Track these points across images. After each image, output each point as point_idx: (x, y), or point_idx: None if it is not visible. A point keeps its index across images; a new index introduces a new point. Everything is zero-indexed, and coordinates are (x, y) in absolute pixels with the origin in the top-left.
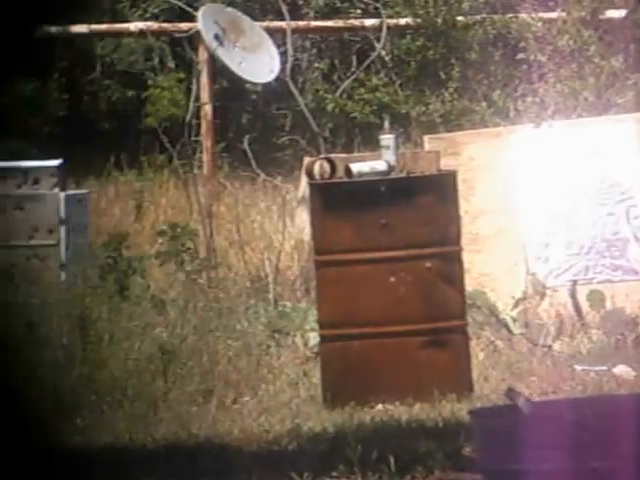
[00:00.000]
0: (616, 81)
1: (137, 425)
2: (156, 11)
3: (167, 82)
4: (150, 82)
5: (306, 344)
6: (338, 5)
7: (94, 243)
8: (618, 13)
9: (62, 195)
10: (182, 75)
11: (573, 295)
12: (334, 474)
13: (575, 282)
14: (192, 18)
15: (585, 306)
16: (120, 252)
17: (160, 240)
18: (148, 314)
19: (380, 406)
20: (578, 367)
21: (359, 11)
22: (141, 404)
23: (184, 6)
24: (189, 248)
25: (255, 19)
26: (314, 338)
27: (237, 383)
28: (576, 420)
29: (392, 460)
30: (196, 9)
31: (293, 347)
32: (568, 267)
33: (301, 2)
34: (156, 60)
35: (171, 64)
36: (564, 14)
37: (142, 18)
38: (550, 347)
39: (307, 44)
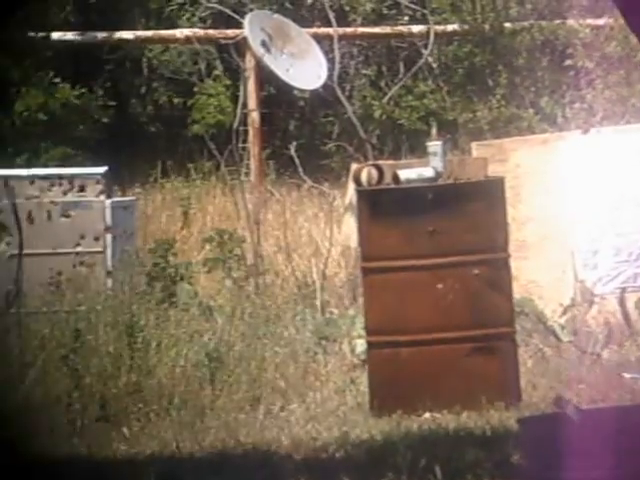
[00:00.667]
0: None
1: (184, 433)
2: (204, 15)
3: (214, 89)
4: (196, 89)
5: (353, 351)
6: (385, 12)
7: (141, 250)
8: None
9: (108, 202)
10: (229, 82)
11: (622, 303)
12: None
13: (624, 289)
14: (239, 24)
15: (634, 314)
16: (167, 259)
17: (207, 247)
18: (195, 321)
19: (427, 414)
20: (627, 375)
21: (406, 18)
22: (188, 412)
23: (231, 12)
24: (236, 255)
25: (302, 26)
26: (361, 345)
27: (284, 390)
28: (624, 428)
29: (440, 469)
30: (243, 15)
31: (340, 354)
32: (617, 274)
33: (348, 8)
34: (203, 66)
35: (218, 70)
36: (611, 20)
37: (189, 22)
38: (599, 355)
39: (354, 51)
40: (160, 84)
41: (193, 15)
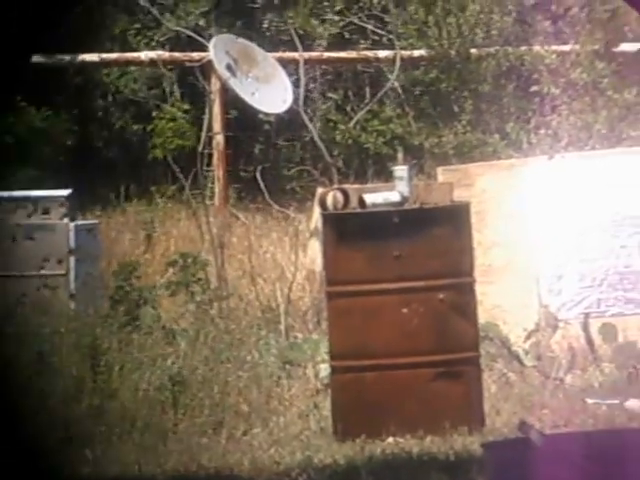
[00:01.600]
0: (629, 114)
1: (147, 456)
2: (162, 39)
3: (170, 114)
4: (155, 113)
5: (317, 376)
6: (349, 37)
7: (105, 273)
8: (631, 46)
9: (72, 225)
10: (187, 106)
11: (585, 328)
12: None
13: (587, 315)
14: (203, 47)
15: (597, 339)
16: (130, 282)
17: (171, 270)
18: (159, 345)
19: (391, 439)
20: (590, 400)
21: (369, 42)
22: (151, 435)
23: (194, 35)
24: (200, 278)
25: (268, 50)
26: (325, 370)
27: (248, 415)
28: (588, 453)
29: None
30: (204, 37)
31: (304, 379)
32: (580, 300)
33: (313, 33)
34: (166, 89)
35: (177, 94)
36: (577, 47)
37: (148, 47)
38: (562, 380)
39: (320, 75)
40: (119, 108)
41: (152, 40)
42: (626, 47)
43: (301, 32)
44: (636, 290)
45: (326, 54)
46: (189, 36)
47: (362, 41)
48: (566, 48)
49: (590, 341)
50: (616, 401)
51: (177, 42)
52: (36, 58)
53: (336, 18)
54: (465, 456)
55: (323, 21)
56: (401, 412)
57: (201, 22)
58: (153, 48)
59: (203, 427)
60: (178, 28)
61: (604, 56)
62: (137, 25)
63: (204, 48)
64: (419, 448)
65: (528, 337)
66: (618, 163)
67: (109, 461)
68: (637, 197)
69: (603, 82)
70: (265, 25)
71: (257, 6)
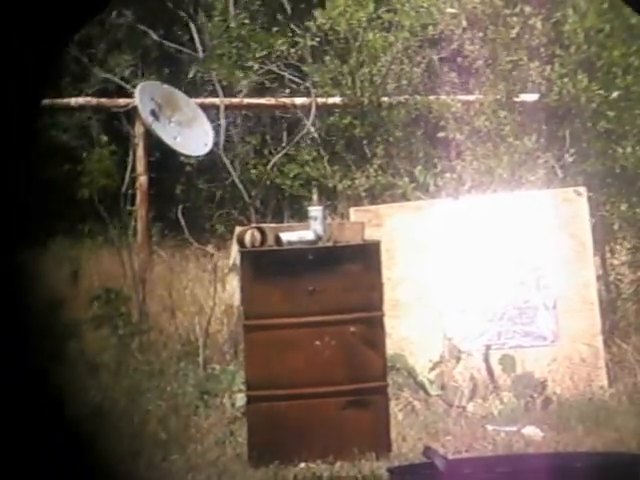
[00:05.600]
0: (529, 159)
1: None
2: (91, 91)
3: (98, 155)
4: (84, 155)
5: (233, 405)
6: (269, 85)
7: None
8: (531, 97)
9: None
10: (114, 148)
11: (486, 359)
12: None
13: (488, 347)
14: (129, 94)
15: (497, 369)
16: (56, 318)
17: (96, 304)
18: (82, 377)
19: (303, 464)
20: (490, 427)
21: (288, 90)
22: None
23: (122, 83)
24: (122, 313)
25: (191, 96)
26: (241, 399)
27: (166, 442)
28: (487, 477)
29: None
30: (131, 84)
31: (221, 408)
32: (482, 333)
33: (234, 81)
34: (91, 135)
35: (104, 138)
36: (482, 96)
37: (78, 95)
38: (464, 408)
39: (239, 120)
40: (50, 153)
41: (81, 91)
42: (526, 97)
43: (225, 83)
44: (534, 324)
45: (246, 100)
46: (118, 85)
47: (281, 89)
48: (471, 98)
49: (490, 371)
50: (514, 428)
51: (105, 92)
52: None
53: (256, 66)
54: None
55: (244, 69)
56: (312, 439)
57: (129, 71)
58: (84, 96)
59: (122, 456)
60: (107, 76)
61: (506, 105)
62: (67, 78)
63: (130, 95)
64: (329, 472)
65: (433, 368)
66: (518, 205)
67: None
68: (534, 237)
69: (505, 129)
70: (190, 75)
71: (183, 57)
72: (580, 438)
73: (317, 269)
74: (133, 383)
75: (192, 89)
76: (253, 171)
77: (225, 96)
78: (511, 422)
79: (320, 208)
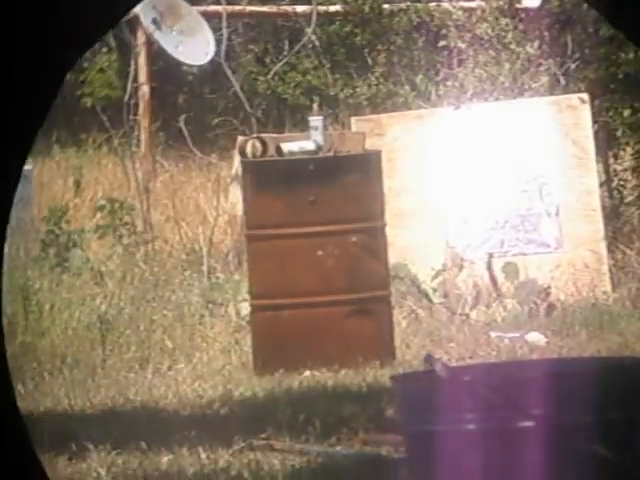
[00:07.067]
0: (530, 66)
1: (76, 391)
2: None
3: (100, 65)
4: (86, 64)
5: (238, 314)
6: None
7: (36, 217)
8: (533, 2)
9: None
10: (115, 57)
11: (489, 267)
12: (263, 436)
13: (491, 255)
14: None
15: (500, 277)
16: (60, 226)
17: (99, 215)
18: (87, 285)
19: (308, 372)
20: (493, 334)
21: None
22: (80, 371)
23: None
24: (127, 223)
25: (192, 3)
26: (246, 308)
27: (172, 351)
28: (491, 384)
29: (318, 423)
30: None
31: (226, 317)
32: (485, 241)
33: None
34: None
35: (107, 47)
36: (483, 3)
37: None
38: (467, 315)
39: (241, 28)
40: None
41: None
42: (528, 3)
43: None
44: (536, 231)
45: (248, 8)
46: None
47: None
48: (472, 4)
49: (493, 279)
50: (517, 334)
51: None
52: None
53: None
54: (376, 388)
55: None
56: (317, 347)
57: None
58: None
59: (130, 363)
60: None
61: (507, 12)
62: None
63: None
64: (334, 381)
65: (436, 276)
66: (520, 113)
67: (41, 396)
68: (537, 145)
69: (507, 37)
70: None
71: None
72: (584, 343)
73: (318, 179)
74: (139, 292)
75: None
76: (255, 80)
77: (227, 4)
78: (514, 329)
79: (320, 118)
